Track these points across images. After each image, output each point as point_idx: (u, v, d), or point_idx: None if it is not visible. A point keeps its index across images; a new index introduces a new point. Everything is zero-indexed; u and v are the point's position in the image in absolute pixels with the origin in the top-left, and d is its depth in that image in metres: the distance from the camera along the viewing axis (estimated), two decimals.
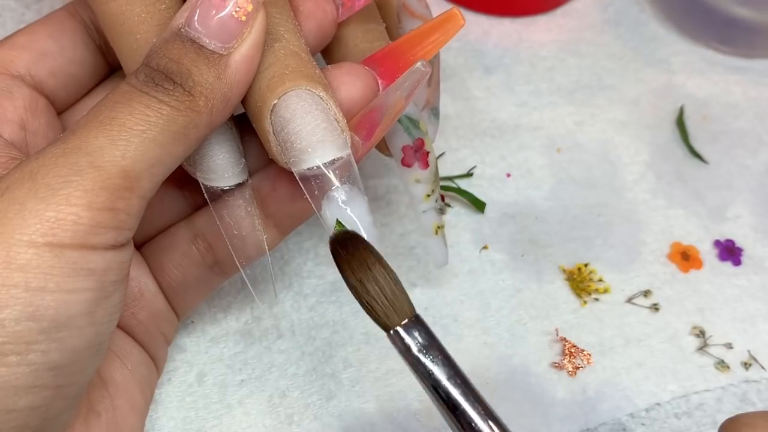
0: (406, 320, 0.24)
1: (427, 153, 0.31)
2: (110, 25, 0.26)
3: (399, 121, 0.30)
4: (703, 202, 0.40)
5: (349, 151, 0.26)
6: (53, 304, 0.21)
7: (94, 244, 0.22)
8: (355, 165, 0.26)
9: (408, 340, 0.24)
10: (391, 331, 0.24)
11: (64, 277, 0.21)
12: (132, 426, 0.28)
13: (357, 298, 0.24)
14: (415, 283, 0.36)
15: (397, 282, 0.25)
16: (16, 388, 0.21)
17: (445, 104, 0.42)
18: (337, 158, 0.25)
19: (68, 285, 0.21)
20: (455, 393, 0.23)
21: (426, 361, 0.24)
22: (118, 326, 0.29)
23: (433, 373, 0.24)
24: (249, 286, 0.29)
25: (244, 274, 0.29)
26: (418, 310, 0.35)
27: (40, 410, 0.22)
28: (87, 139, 0.22)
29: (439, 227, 0.33)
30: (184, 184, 0.30)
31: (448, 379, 0.24)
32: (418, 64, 0.27)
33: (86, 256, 0.22)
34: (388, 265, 0.25)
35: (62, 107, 0.30)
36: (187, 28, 0.24)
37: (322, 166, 0.25)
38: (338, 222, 0.26)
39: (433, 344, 0.24)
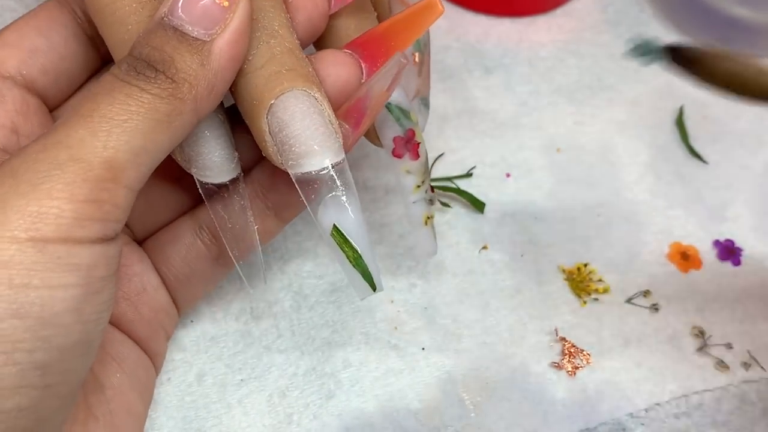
0: None
1: (418, 144, 0.31)
2: (100, 14, 0.26)
3: (390, 111, 0.30)
4: (703, 202, 0.40)
5: (344, 155, 0.26)
6: (38, 300, 0.21)
7: (79, 237, 0.22)
8: (347, 167, 0.26)
9: None
10: None
11: (49, 273, 0.21)
12: (130, 430, 0.28)
13: None
14: (414, 284, 0.36)
15: None
16: (1, 389, 0.21)
17: (445, 104, 0.42)
18: (335, 163, 0.25)
19: (53, 281, 0.21)
20: None
21: None
22: (119, 325, 0.29)
23: None
24: (240, 273, 0.29)
25: (237, 266, 0.29)
26: (418, 310, 0.35)
27: (30, 411, 0.21)
28: (68, 133, 0.22)
29: (428, 217, 0.33)
30: (184, 176, 0.29)
31: None
32: (397, 55, 0.27)
33: (71, 250, 0.21)
34: None
35: (54, 104, 0.30)
36: (170, 17, 0.24)
37: (322, 171, 0.25)
38: (335, 227, 0.26)
39: None
